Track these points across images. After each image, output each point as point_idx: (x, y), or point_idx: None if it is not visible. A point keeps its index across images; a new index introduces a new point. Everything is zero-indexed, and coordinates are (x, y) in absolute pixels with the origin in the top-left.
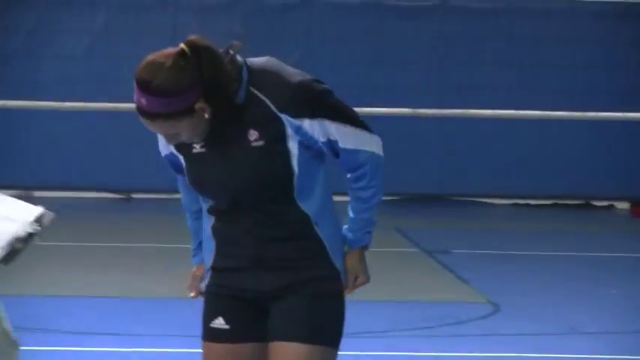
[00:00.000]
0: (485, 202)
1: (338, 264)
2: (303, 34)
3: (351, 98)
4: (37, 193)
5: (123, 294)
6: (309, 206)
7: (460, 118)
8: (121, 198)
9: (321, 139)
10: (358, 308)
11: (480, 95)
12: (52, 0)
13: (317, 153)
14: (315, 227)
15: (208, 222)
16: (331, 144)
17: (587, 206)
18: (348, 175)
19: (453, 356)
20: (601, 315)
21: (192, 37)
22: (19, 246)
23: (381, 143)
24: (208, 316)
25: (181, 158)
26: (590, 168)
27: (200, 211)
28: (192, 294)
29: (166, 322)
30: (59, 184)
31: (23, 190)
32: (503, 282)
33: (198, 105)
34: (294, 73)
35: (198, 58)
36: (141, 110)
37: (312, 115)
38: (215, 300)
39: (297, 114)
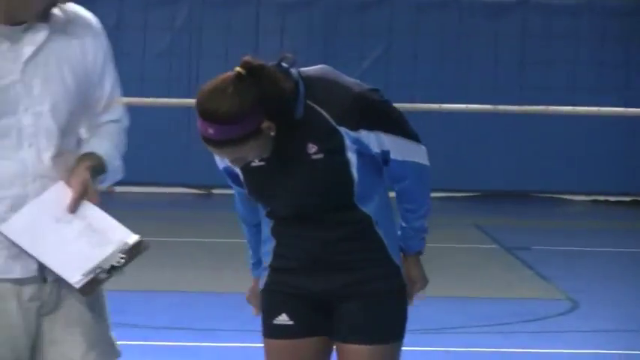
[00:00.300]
0: (565, 199)
1: (397, 260)
2: (383, 30)
3: (430, 95)
4: (118, 189)
5: (199, 289)
6: (369, 207)
7: (540, 115)
8: (201, 194)
9: (376, 150)
10: (437, 305)
11: (559, 93)
12: None
13: (373, 158)
14: (376, 226)
15: (268, 223)
16: (384, 154)
17: None
18: (395, 187)
19: (531, 352)
20: None
21: (246, 58)
22: (103, 276)
23: (426, 153)
24: (271, 313)
25: (238, 171)
26: None
27: (259, 224)
28: (255, 312)
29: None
30: (140, 180)
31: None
32: (583, 279)
33: (265, 124)
34: (352, 84)
35: (256, 78)
36: (209, 140)
37: (369, 127)
38: (276, 297)
39: (356, 126)
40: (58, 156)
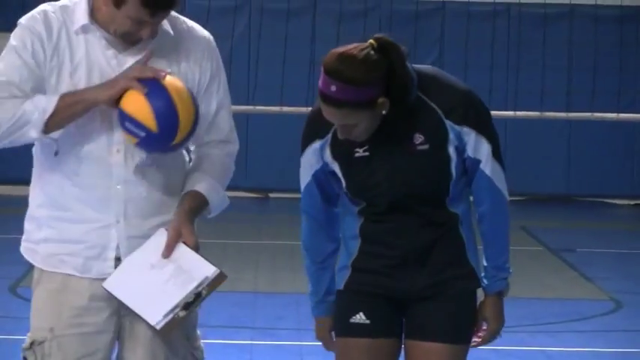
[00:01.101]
0: (608, 203)
1: (473, 261)
2: (436, 39)
3: (485, 99)
4: None
5: (257, 289)
6: (459, 207)
7: (586, 121)
8: (258, 197)
9: (469, 154)
10: None
11: (606, 99)
12: (195, 6)
13: (465, 162)
14: (461, 227)
15: (355, 222)
16: (474, 162)
17: None
18: (476, 210)
19: (576, 351)
20: None
21: (380, 34)
22: (181, 314)
23: (506, 186)
24: (347, 312)
25: (337, 167)
26: None
27: (325, 260)
28: (329, 348)
29: (300, 317)
30: None
31: None
32: (626, 280)
33: (381, 100)
34: (461, 83)
35: (386, 54)
36: (329, 98)
37: (472, 126)
38: (354, 296)
39: (460, 121)
40: (147, 165)
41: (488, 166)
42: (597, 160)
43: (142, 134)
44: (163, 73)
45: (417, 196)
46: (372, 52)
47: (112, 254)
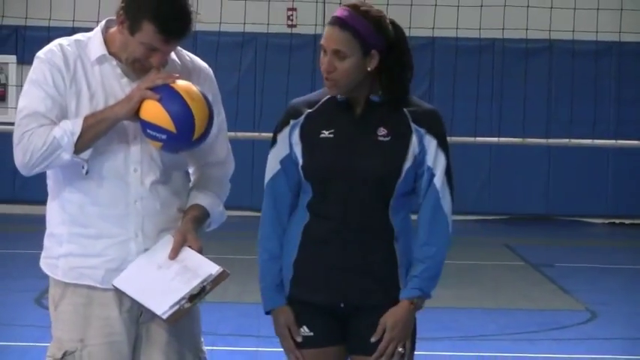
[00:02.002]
0: (585, 222)
1: (402, 279)
2: (426, 72)
3: (466, 129)
4: None
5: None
6: (397, 221)
7: (564, 147)
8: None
9: (429, 163)
10: (472, 315)
11: (582, 127)
12: (206, 42)
13: (415, 173)
14: (395, 244)
15: (302, 219)
16: (429, 174)
17: None
18: (419, 214)
19: (555, 357)
20: None
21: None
22: (187, 305)
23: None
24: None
25: (299, 149)
26: None
27: (279, 253)
28: (290, 347)
29: None
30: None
31: None
32: (601, 292)
33: (374, 52)
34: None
35: (396, 31)
36: (339, 19)
37: (435, 136)
38: (297, 307)
39: (426, 128)
40: (160, 182)
41: (439, 180)
42: (574, 183)
43: (164, 137)
44: (172, 78)
45: (369, 183)
46: (387, 19)
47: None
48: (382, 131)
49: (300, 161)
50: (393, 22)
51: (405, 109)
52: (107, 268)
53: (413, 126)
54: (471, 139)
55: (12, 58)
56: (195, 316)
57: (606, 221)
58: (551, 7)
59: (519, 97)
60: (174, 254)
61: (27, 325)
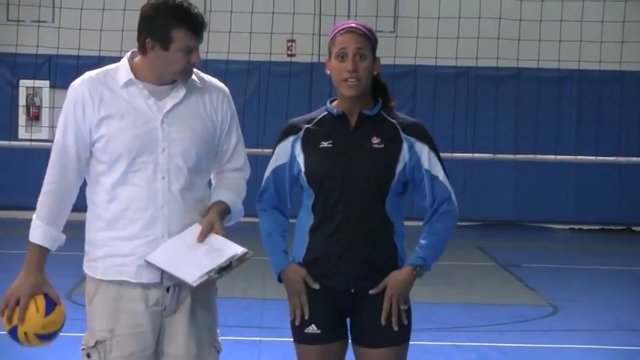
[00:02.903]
0: (549, 227)
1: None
2: (409, 96)
3: (445, 145)
4: None
5: (264, 296)
6: (395, 218)
7: (531, 161)
8: None
9: (425, 167)
10: (449, 309)
11: (545, 143)
12: (216, 69)
13: (407, 184)
14: (395, 237)
15: (308, 220)
16: (431, 176)
17: (628, 231)
18: (429, 206)
19: (521, 347)
20: (639, 316)
21: None
22: (215, 276)
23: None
24: (302, 323)
25: (302, 158)
26: (630, 201)
27: (285, 232)
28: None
29: None
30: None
31: None
32: (562, 290)
33: (377, 57)
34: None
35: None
36: (354, 28)
37: (425, 142)
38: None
39: (415, 136)
40: (186, 190)
41: (446, 180)
42: (539, 193)
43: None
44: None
45: (366, 184)
46: None
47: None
48: (376, 140)
49: (303, 168)
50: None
51: (394, 121)
52: (138, 264)
53: (403, 135)
54: (449, 154)
55: (45, 83)
56: (212, 311)
57: (567, 227)
58: (519, 40)
59: (491, 118)
60: (203, 238)
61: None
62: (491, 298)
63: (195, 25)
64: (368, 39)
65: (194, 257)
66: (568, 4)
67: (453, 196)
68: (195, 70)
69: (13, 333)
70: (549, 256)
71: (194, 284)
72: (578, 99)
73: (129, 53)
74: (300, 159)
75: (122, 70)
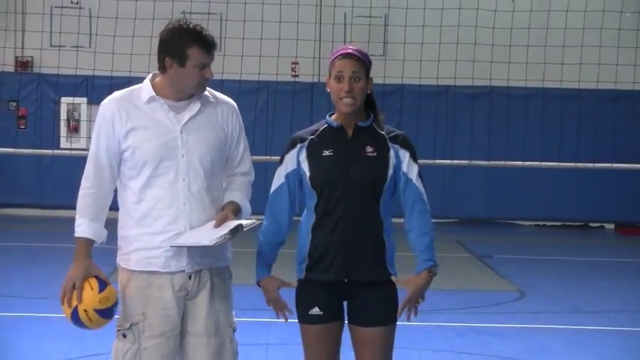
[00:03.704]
0: (517, 224)
1: (389, 261)
2: (397, 110)
3: (427, 154)
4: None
5: None
6: (384, 218)
7: (501, 167)
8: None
9: (404, 169)
10: (432, 294)
11: (514, 151)
12: (230, 88)
13: (395, 179)
14: (384, 234)
15: (311, 218)
16: (405, 177)
17: (585, 227)
18: (407, 212)
19: (492, 326)
20: (595, 299)
21: None
22: (228, 237)
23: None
24: (306, 304)
25: (306, 165)
26: (587, 201)
27: (277, 246)
28: (281, 306)
29: None
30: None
31: None
32: (528, 277)
33: (370, 77)
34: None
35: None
36: (350, 54)
37: (408, 150)
38: (311, 290)
39: (399, 145)
40: (204, 190)
41: (418, 182)
42: (508, 195)
43: None
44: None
45: (363, 187)
46: None
47: (184, 253)
48: (369, 149)
49: (308, 173)
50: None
51: (382, 132)
52: (166, 256)
53: (390, 144)
54: (431, 161)
55: (84, 100)
56: (228, 296)
57: (533, 223)
58: (491, 62)
59: (467, 130)
60: (219, 224)
61: None
62: (467, 285)
63: (207, 44)
64: (363, 63)
65: (210, 231)
66: (533, 32)
67: (424, 197)
68: (208, 88)
69: (74, 315)
70: (517, 249)
71: (211, 243)
72: (542, 113)
73: (150, 75)
74: (305, 165)
75: (145, 89)
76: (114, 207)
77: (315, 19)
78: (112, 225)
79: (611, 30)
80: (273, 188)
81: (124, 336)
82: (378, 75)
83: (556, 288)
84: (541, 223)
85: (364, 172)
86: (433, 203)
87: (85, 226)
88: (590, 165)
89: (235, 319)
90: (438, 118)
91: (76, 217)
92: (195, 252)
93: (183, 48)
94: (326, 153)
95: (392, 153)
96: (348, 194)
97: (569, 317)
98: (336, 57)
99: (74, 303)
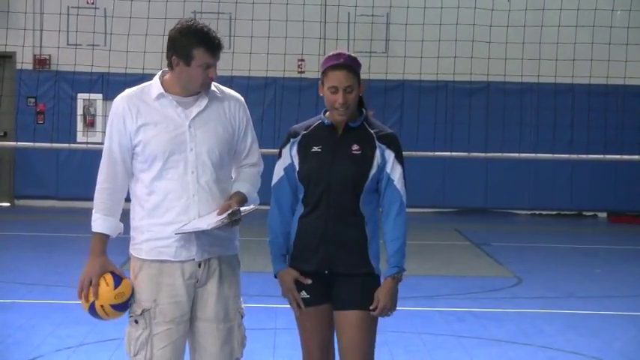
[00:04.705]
0: (513, 213)
1: (372, 252)
2: (398, 105)
3: (427, 146)
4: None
5: None
6: (366, 211)
7: (498, 158)
8: None
9: (387, 170)
10: (432, 280)
11: (510, 144)
12: (240, 84)
13: (379, 177)
14: (366, 226)
15: (299, 211)
16: (388, 179)
17: (579, 216)
18: (385, 209)
19: (490, 311)
20: (589, 285)
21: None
22: (226, 221)
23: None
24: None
25: (296, 160)
26: (580, 191)
27: (285, 234)
28: (296, 301)
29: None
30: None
31: None
32: (524, 263)
33: (361, 85)
34: (395, 133)
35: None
36: (341, 64)
37: (393, 150)
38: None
39: (386, 144)
40: (212, 181)
41: (399, 183)
42: (505, 185)
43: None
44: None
45: (344, 183)
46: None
47: (194, 242)
48: (355, 147)
49: (297, 167)
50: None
51: (371, 131)
52: (177, 245)
53: (377, 143)
54: (431, 153)
55: (99, 96)
56: (237, 283)
57: (529, 212)
58: (489, 58)
59: (465, 123)
60: (222, 212)
61: None
62: (466, 271)
63: (212, 46)
64: (354, 72)
65: (212, 218)
66: (528, 29)
67: (404, 199)
68: (215, 83)
69: (92, 309)
70: (514, 237)
71: (208, 227)
72: (537, 107)
73: (160, 72)
74: (296, 160)
75: (154, 86)
76: (126, 198)
77: (320, 18)
78: (125, 216)
79: (602, 27)
80: (274, 181)
81: (136, 322)
82: (380, 71)
83: (551, 274)
84: (537, 212)
85: (346, 169)
86: (433, 194)
87: (100, 222)
88: (584, 156)
89: (244, 305)
90: (437, 113)
91: (93, 212)
92: (205, 241)
93: (190, 48)
94: (315, 149)
95: (378, 152)
96: (330, 190)
97: (564, 302)
98: (328, 67)
99: (91, 299)
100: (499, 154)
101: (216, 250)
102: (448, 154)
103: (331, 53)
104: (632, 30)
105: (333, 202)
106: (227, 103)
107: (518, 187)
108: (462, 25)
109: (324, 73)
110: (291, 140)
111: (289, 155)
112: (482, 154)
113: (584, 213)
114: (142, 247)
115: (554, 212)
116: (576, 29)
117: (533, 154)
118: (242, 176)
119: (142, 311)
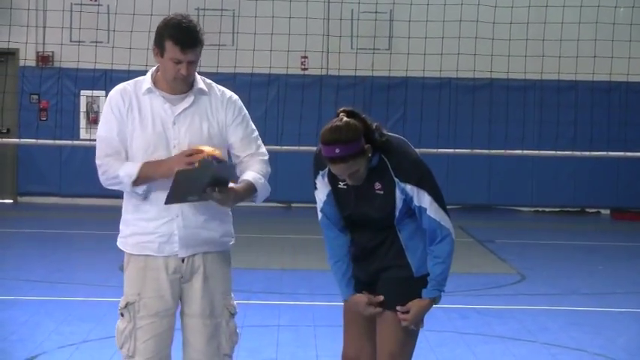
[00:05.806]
0: (517, 210)
1: (412, 259)
2: (401, 102)
3: (430, 143)
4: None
5: (283, 267)
6: (401, 225)
7: (501, 155)
8: (283, 206)
9: (415, 203)
10: None
11: (513, 141)
12: (243, 81)
13: (410, 209)
14: (400, 235)
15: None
16: (420, 209)
17: (582, 212)
18: (428, 239)
19: (493, 308)
20: (592, 282)
21: (343, 107)
22: (193, 198)
23: (452, 225)
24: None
25: (330, 189)
26: (583, 187)
27: (345, 256)
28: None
29: (313, 285)
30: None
31: None
32: (528, 260)
33: (366, 146)
34: (412, 154)
35: (354, 116)
36: (337, 158)
37: (416, 184)
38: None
39: (404, 180)
40: None
41: (432, 210)
42: (508, 182)
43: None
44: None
45: (371, 222)
46: (347, 118)
47: (176, 238)
48: (378, 185)
49: (334, 202)
50: (348, 113)
51: (389, 166)
52: (160, 241)
53: (396, 180)
54: (434, 150)
55: (102, 93)
56: (225, 279)
57: (532, 209)
58: (492, 55)
59: (468, 120)
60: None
61: (113, 286)
62: (470, 268)
63: (181, 42)
64: (353, 156)
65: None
66: (531, 26)
67: (443, 222)
68: (208, 80)
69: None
70: (517, 233)
71: (165, 204)
72: (540, 104)
73: (154, 67)
74: (329, 188)
75: (146, 80)
76: (119, 194)
77: (324, 15)
78: (117, 212)
79: (606, 24)
80: (319, 207)
81: (122, 315)
82: (383, 68)
83: (554, 271)
84: (540, 209)
85: (374, 209)
86: None
87: (128, 169)
88: (587, 153)
89: (235, 302)
90: (440, 109)
91: (120, 177)
92: (190, 237)
93: (163, 40)
94: (341, 185)
95: (397, 191)
96: (361, 226)
97: (567, 298)
98: (328, 160)
99: (196, 156)
100: (502, 151)
101: (200, 247)
102: (451, 151)
103: (325, 135)
104: (635, 27)
105: (367, 238)
106: (213, 100)
107: (522, 183)
108: (465, 22)
109: (325, 163)
110: (320, 172)
111: (323, 183)
112: (486, 151)
113: (587, 210)
114: (127, 241)
115: (557, 209)
116: (579, 26)
117: (537, 151)
118: (247, 166)
119: (127, 304)
